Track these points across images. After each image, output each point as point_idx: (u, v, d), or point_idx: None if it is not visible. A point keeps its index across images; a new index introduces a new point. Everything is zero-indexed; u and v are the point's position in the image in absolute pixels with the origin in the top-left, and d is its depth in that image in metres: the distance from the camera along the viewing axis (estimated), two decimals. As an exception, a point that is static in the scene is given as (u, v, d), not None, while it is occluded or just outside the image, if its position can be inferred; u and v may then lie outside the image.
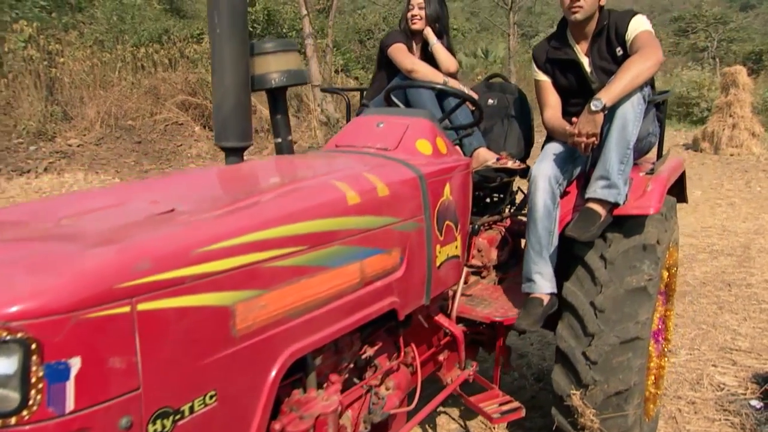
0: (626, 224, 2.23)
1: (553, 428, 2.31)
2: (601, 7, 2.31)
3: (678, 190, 2.79)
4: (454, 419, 2.82)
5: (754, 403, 2.95)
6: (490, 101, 2.83)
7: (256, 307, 1.15)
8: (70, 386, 0.85)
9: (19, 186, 8.12)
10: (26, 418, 0.83)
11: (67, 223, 1.12)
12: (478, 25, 25.97)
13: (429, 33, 2.87)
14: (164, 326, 0.98)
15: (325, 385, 1.48)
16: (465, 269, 2.42)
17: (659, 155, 2.49)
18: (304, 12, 9.81)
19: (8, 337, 0.80)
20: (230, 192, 1.39)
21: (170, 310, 0.98)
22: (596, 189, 2.13)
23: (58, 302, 0.84)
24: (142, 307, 0.94)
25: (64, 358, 0.84)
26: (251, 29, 16.25)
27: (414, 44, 2.89)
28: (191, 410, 1.03)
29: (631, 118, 2.07)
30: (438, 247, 1.81)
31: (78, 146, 10.01)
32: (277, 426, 1.25)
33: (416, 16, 2.84)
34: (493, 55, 19.55)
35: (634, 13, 2.28)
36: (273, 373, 1.20)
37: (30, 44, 11.17)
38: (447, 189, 1.86)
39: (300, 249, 1.26)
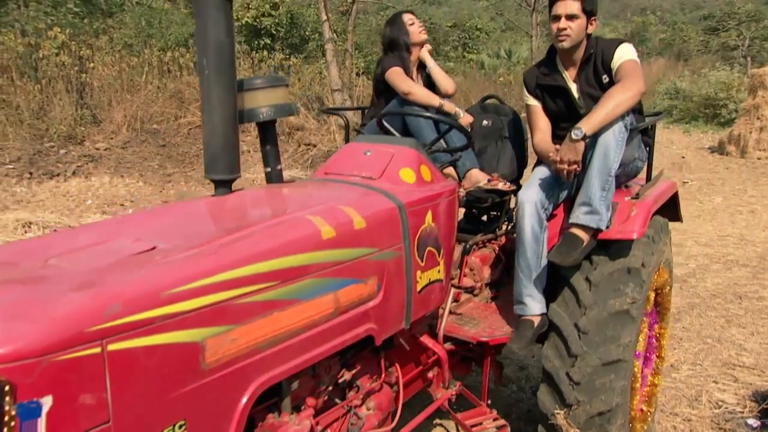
0: (612, 247, 2.27)
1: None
2: (589, 35, 2.35)
3: (671, 210, 2.81)
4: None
5: (751, 421, 2.94)
6: (485, 122, 2.88)
7: (225, 342, 1.24)
8: (42, 423, 0.95)
9: (49, 189, 8.39)
10: (2, 449, 0.93)
11: (53, 263, 1.22)
12: (502, 24, 25.79)
13: (426, 55, 2.94)
14: (134, 364, 1.07)
15: (302, 407, 1.57)
16: (454, 289, 2.50)
17: (648, 178, 2.52)
18: (324, 17, 9.93)
19: (-15, 380, 0.90)
20: (209, 229, 1.48)
21: (140, 349, 1.08)
22: (579, 215, 2.18)
23: (30, 347, 0.94)
24: (112, 347, 1.04)
25: (36, 398, 0.94)
26: (275, 32, 16.49)
27: (411, 65, 2.96)
28: (161, 438, 1.12)
29: (612, 146, 2.11)
30: (419, 272, 1.89)
31: (105, 150, 10.31)
32: (247, 450, 1.34)
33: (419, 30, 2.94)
34: (517, 55, 19.44)
35: (621, 42, 2.32)
36: (243, 402, 1.29)
37: (63, 50, 11.54)
38: (428, 216, 1.93)
39: (271, 284, 1.35)
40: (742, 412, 3.05)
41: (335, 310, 1.54)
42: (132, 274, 1.16)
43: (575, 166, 2.09)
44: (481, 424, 2.29)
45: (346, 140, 2.83)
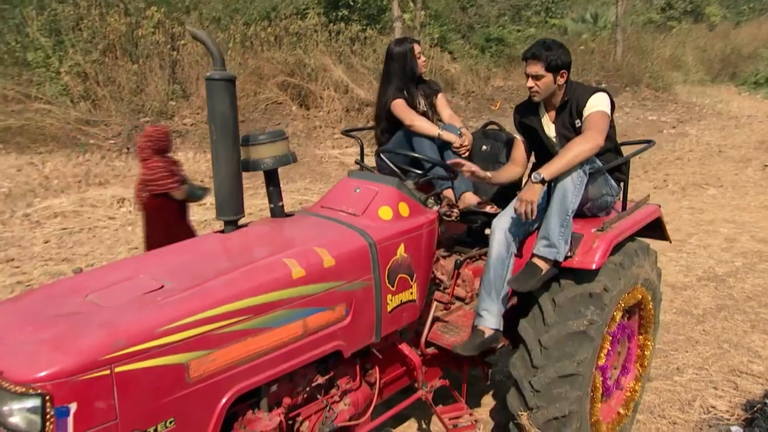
0: (579, 273, 2.54)
1: (511, 440, 2.72)
2: (566, 83, 2.57)
3: (659, 232, 3.00)
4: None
5: (735, 429, 3.12)
6: (484, 147, 3.16)
7: (206, 362, 1.71)
8: (70, 420, 1.45)
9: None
10: (45, 438, 1.45)
11: (90, 299, 1.73)
12: (591, -14, 24.52)
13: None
14: (134, 380, 1.56)
15: (281, 405, 2.03)
16: (444, 299, 2.86)
17: (624, 207, 2.73)
18: (393, -5, 10.13)
19: (33, 392, 1.41)
20: (206, 270, 1.92)
21: (138, 370, 1.56)
22: (539, 248, 2.46)
23: (63, 371, 1.44)
24: (118, 369, 1.52)
25: (66, 404, 1.44)
26: (352, 2, 16.68)
27: (413, 90, 3.28)
28: (155, 431, 1.61)
29: (570, 189, 2.36)
30: (389, 296, 2.27)
31: (191, 125, 11.19)
32: (225, 438, 1.83)
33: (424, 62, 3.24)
34: (603, 19, 18.59)
35: (596, 91, 2.53)
36: (220, 404, 1.76)
37: (158, 28, 12.46)
38: (401, 249, 2.30)
39: (246, 317, 1.80)
40: (729, 420, 3.22)
41: (303, 333, 1.97)
42: (138, 313, 1.64)
43: (531, 206, 2.37)
44: (456, 418, 2.68)
45: (361, 159, 3.21)
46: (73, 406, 1.45)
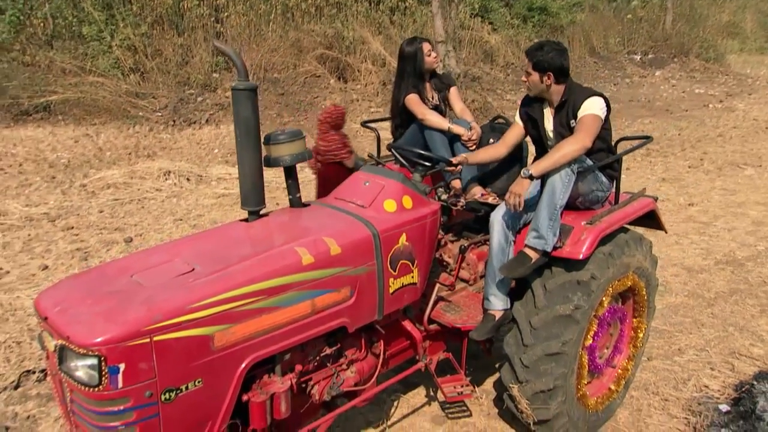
0: (569, 262, 2.77)
1: (504, 407, 3.03)
2: (567, 84, 2.77)
3: (654, 222, 3.20)
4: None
5: (722, 407, 3.32)
6: (491, 140, 3.37)
7: (227, 334, 2.06)
8: (120, 376, 1.82)
9: (186, 137, 9.82)
10: (101, 389, 1.82)
11: (135, 279, 2.09)
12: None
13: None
14: (169, 347, 1.92)
15: (294, 371, 2.37)
16: (452, 278, 3.15)
17: (616, 201, 2.94)
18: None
19: (92, 354, 1.79)
20: (230, 255, 2.25)
21: (172, 339, 1.92)
22: (530, 239, 2.70)
23: (114, 338, 1.80)
24: (156, 338, 1.88)
25: (117, 364, 1.81)
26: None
27: (426, 83, 3.51)
28: (186, 388, 1.98)
29: (559, 186, 2.59)
30: (391, 279, 2.57)
31: (233, 98, 11.60)
32: (245, 397, 2.19)
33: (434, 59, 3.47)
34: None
35: (592, 94, 2.72)
36: (240, 369, 2.11)
37: (202, 1, 12.82)
38: (402, 238, 2.59)
39: (262, 297, 2.13)
40: (719, 399, 3.43)
41: (312, 311, 2.30)
42: (172, 292, 1.99)
43: (519, 198, 2.60)
44: (454, 387, 3.00)
45: (378, 152, 3.48)
46: (122, 366, 1.82)
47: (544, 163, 2.59)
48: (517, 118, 3.05)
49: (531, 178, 2.59)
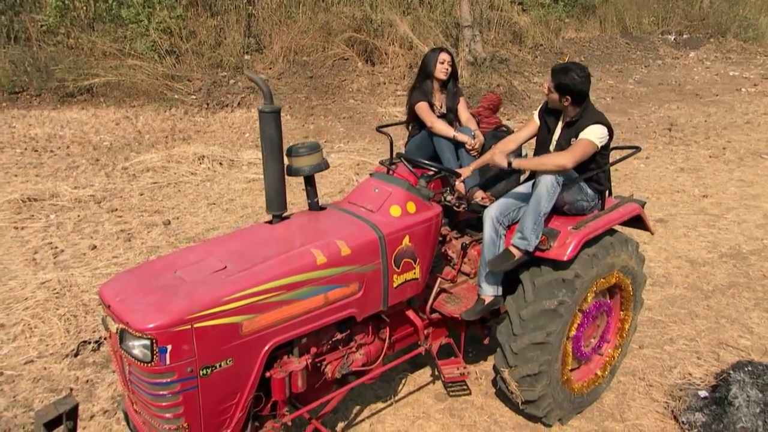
0: (557, 262, 3.11)
1: (497, 388, 3.41)
2: (584, 107, 3.10)
3: (641, 224, 3.49)
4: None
5: (702, 393, 3.64)
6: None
7: (254, 322, 2.47)
8: (167, 355, 2.26)
9: (219, 120, 10.27)
10: (152, 365, 2.26)
11: (178, 274, 2.52)
12: None
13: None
14: (206, 333, 2.34)
15: (309, 353, 2.79)
16: (454, 272, 3.52)
17: (602, 207, 3.25)
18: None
19: (146, 336, 2.22)
20: (257, 255, 2.65)
21: (209, 326, 2.34)
22: (515, 239, 3.05)
23: (162, 326, 2.23)
24: (196, 325, 2.31)
25: (164, 345, 2.24)
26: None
27: (436, 94, 3.83)
28: (220, 365, 2.41)
29: (544, 196, 2.93)
30: (395, 276, 2.95)
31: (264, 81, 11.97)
32: (267, 374, 2.61)
33: (446, 69, 3.78)
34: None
35: (597, 121, 3.04)
36: (263, 351, 2.53)
37: (233, -17, 13.11)
38: (406, 239, 2.96)
39: (282, 292, 2.54)
40: (699, 386, 3.74)
41: (325, 303, 2.70)
42: (209, 287, 2.41)
43: (493, 161, 3.20)
44: (452, 369, 3.39)
45: (390, 155, 3.83)
46: (169, 347, 2.26)
47: (527, 163, 3.08)
48: (536, 117, 3.38)
49: (509, 165, 3.09)
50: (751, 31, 18.71)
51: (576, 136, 3.07)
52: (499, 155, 3.18)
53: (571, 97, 3.06)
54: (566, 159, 2.95)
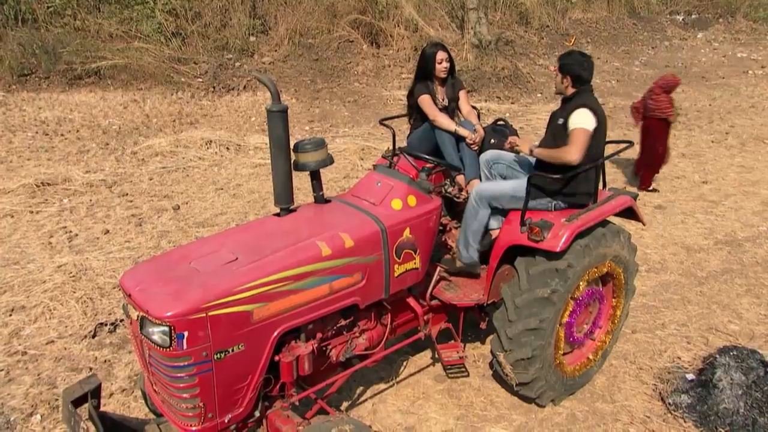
0: (550, 252, 3.26)
1: (493, 371, 3.60)
2: (580, 90, 3.32)
3: (633, 215, 3.65)
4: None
5: (689, 376, 3.81)
6: (492, 141, 3.82)
7: (264, 310, 2.65)
8: (185, 340, 2.44)
9: (225, 104, 10.37)
10: (170, 349, 2.44)
11: (193, 265, 2.69)
12: None
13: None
14: (220, 320, 2.52)
15: (315, 338, 2.97)
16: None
17: (594, 200, 3.40)
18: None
19: (164, 323, 2.40)
20: (266, 246, 2.82)
21: (222, 314, 2.52)
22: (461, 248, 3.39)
23: (179, 314, 2.41)
24: (210, 313, 2.48)
25: (182, 331, 2.42)
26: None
27: (438, 88, 3.96)
28: (232, 350, 2.59)
29: (468, 216, 3.46)
30: (396, 266, 3.12)
31: (269, 64, 12.01)
32: (276, 357, 2.80)
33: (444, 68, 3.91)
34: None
35: (583, 105, 3.22)
36: (272, 337, 2.71)
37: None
38: (406, 231, 3.12)
39: (290, 282, 2.71)
40: (687, 369, 3.91)
41: (330, 292, 2.87)
42: (222, 277, 2.58)
43: (516, 146, 3.51)
44: (450, 352, 3.58)
45: (393, 148, 3.97)
46: (186, 333, 2.44)
47: (543, 153, 3.35)
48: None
49: (530, 152, 3.38)
50: (762, 10, 18.52)
51: (565, 118, 3.27)
52: (522, 142, 3.50)
53: (570, 79, 3.30)
54: (572, 155, 3.18)
